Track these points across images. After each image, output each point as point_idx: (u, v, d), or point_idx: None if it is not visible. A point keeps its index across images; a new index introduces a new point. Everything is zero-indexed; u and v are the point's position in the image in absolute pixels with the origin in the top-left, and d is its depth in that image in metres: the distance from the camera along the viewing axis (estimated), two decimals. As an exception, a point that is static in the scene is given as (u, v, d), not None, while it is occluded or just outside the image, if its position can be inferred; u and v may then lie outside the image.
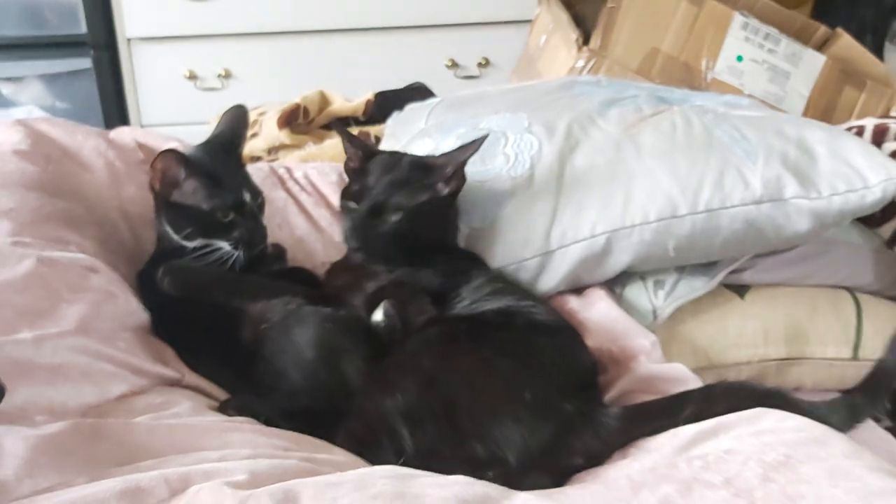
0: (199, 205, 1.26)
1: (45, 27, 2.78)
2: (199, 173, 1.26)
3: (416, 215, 1.28)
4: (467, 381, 1.04)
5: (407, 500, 0.75)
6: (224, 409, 1.08)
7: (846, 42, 2.06)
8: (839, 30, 2.07)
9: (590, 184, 1.32)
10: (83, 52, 2.79)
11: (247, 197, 1.30)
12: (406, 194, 1.27)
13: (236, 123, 1.38)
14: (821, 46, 2.04)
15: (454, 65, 2.90)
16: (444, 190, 1.30)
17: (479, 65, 2.91)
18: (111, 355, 1.05)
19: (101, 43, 2.79)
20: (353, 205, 1.29)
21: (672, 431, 0.97)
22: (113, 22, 2.79)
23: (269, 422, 1.03)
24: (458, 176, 1.31)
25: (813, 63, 1.99)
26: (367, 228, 1.27)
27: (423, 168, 1.30)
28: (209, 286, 1.25)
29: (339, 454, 0.95)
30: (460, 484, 0.80)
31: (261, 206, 1.34)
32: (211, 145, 1.35)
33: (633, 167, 1.32)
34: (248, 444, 0.89)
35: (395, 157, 1.35)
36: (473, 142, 1.29)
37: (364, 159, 1.32)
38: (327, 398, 1.11)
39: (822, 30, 2.06)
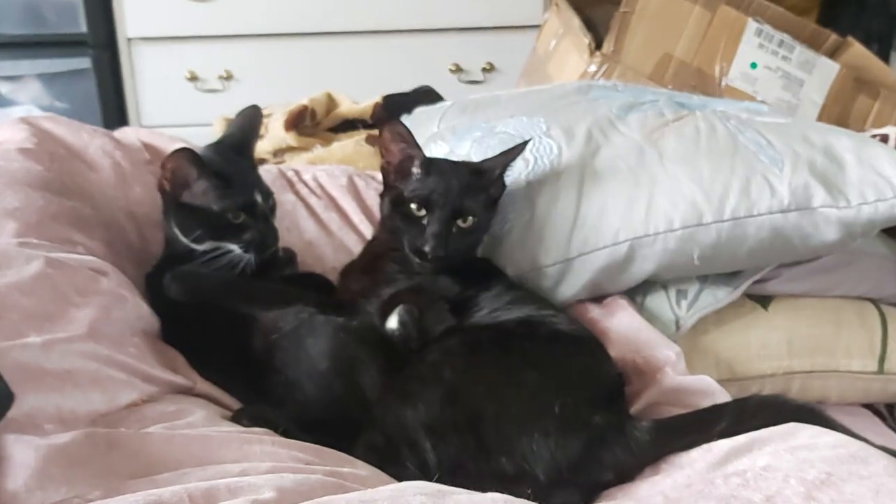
0: (209, 206, 1.23)
1: (44, 26, 2.73)
2: (210, 174, 1.22)
3: (484, 220, 1.26)
4: (492, 392, 1.01)
5: (444, 519, 0.72)
6: (239, 418, 1.04)
7: (857, 50, 2.04)
8: (850, 38, 2.05)
9: (612, 190, 1.29)
10: (83, 52, 2.76)
11: (258, 198, 1.27)
12: (474, 199, 1.24)
13: (248, 124, 1.36)
14: (832, 54, 2.02)
15: (458, 69, 2.87)
16: (494, 195, 1.29)
17: (484, 70, 2.88)
18: (121, 361, 1.01)
19: (101, 42, 2.76)
20: (415, 208, 1.23)
21: (705, 446, 0.95)
22: (113, 21, 2.76)
23: (286, 433, 0.99)
24: (501, 180, 1.29)
25: (826, 71, 1.96)
26: (450, 235, 1.22)
27: (478, 173, 1.27)
28: (217, 293, 1.22)
29: (362, 468, 0.91)
30: (498, 502, 0.76)
31: (272, 208, 1.31)
32: (222, 146, 1.32)
33: (657, 173, 1.29)
34: (269, 457, 0.86)
35: (451, 161, 1.31)
36: (516, 147, 1.27)
37: (426, 164, 1.25)
38: (342, 410, 1.08)
39: (833, 38, 2.04)
